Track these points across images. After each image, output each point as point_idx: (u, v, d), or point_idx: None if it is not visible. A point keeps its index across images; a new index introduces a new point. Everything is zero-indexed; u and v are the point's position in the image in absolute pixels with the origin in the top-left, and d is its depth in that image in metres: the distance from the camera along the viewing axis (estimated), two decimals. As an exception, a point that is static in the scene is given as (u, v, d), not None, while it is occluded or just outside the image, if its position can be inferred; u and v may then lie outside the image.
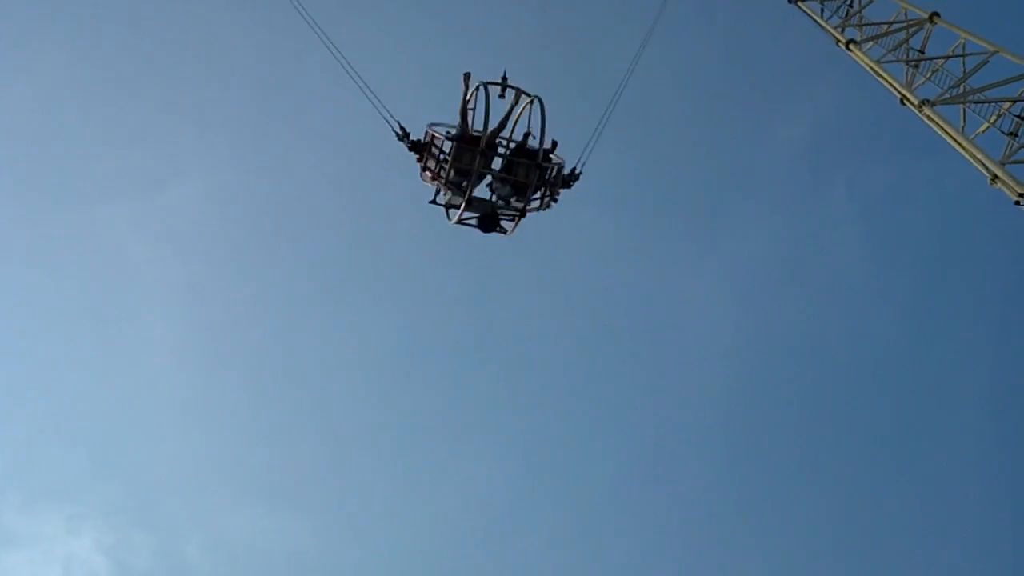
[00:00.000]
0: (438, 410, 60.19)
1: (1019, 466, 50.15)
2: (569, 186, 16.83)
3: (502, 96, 16.12)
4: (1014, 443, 50.67)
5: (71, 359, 59.79)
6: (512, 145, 16.60)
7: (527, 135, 16.37)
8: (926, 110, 21.31)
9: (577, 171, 16.96)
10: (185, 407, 59.36)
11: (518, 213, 16.36)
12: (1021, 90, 19.59)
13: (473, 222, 16.53)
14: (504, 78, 16.08)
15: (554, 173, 16.32)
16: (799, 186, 62.82)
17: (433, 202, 16.93)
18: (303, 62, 64.81)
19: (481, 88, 15.66)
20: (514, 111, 16.38)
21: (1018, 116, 19.35)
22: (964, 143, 19.67)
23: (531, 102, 15.96)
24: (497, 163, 16.51)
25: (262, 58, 64.87)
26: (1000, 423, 52.06)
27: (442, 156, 16.02)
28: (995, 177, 18.40)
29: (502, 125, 16.22)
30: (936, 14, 23.18)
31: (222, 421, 60.90)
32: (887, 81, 23.46)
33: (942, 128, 20.59)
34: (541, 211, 16.71)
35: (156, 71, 62.91)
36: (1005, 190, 18.04)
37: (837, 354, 58.55)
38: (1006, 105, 19.62)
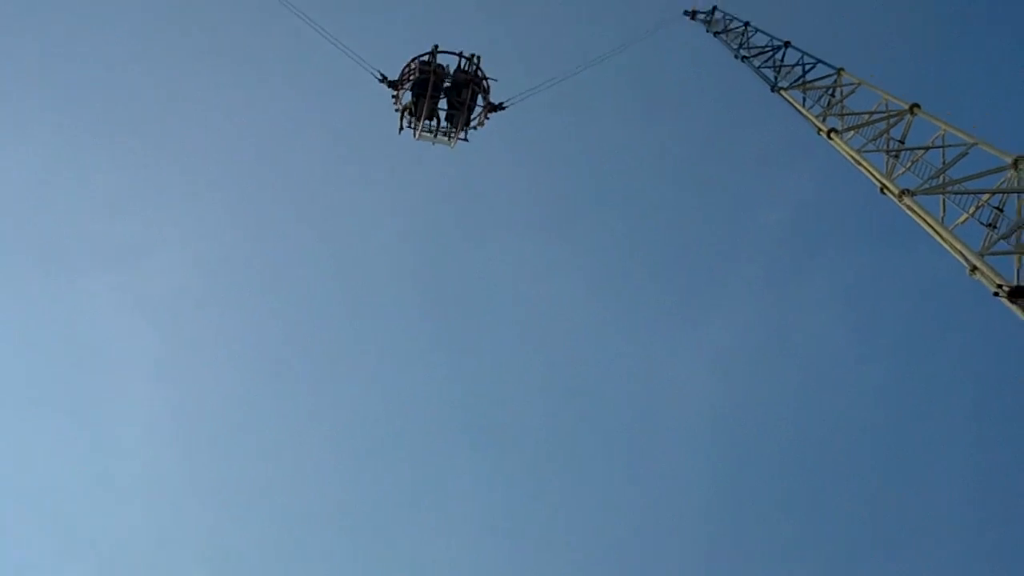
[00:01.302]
0: (416, 488, 58.95)
1: (998, 542, 49.18)
2: (496, 110, 23.61)
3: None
4: (993, 520, 49.78)
5: (40, 435, 58.68)
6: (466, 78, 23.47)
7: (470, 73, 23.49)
8: (906, 199, 21.08)
9: (504, 104, 23.78)
10: (155, 487, 58.05)
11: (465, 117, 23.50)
12: (999, 182, 19.38)
13: (433, 136, 23.78)
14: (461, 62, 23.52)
15: (486, 87, 23.41)
16: (780, 269, 62.98)
17: (400, 129, 23.70)
18: (287, 132, 65.45)
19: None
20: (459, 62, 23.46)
21: (997, 208, 19.10)
22: (943, 233, 19.35)
23: (471, 56, 23.06)
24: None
25: (247, 127, 65.62)
26: (978, 502, 51.23)
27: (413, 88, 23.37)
28: (974, 268, 18.02)
29: (447, 73, 23.45)
30: (916, 105, 23.23)
31: (192, 503, 59.52)
32: (868, 170, 23.30)
33: (922, 218, 20.31)
34: (476, 128, 23.59)
35: (140, 140, 63.51)
36: (984, 281, 17.62)
37: (818, 433, 57.84)
38: (985, 196, 19.37)
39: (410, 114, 23.71)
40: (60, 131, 61.79)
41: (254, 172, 67.07)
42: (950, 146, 21.49)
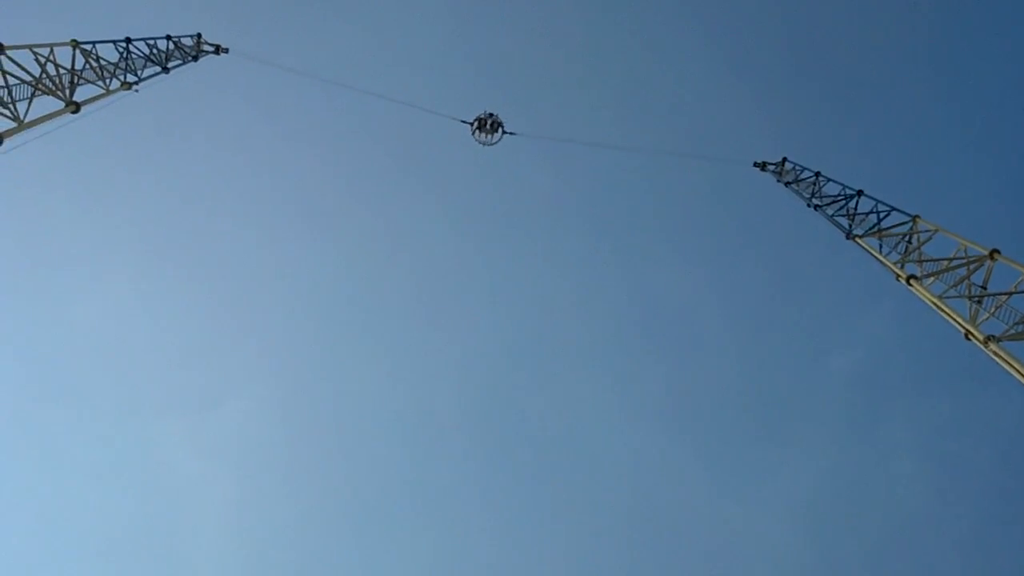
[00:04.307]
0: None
1: None
2: (508, 133, 42.06)
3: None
4: None
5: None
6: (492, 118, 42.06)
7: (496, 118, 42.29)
8: (992, 346, 20.53)
9: (515, 132, 42.12)
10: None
11: (493, 132, 41.91)
12: (1091, 327, 18.75)
13: (486, 140, 42.20)
14: (490, 114, 42.24)
15: (501, 127, 41.81)
16: (857, 413, 60.63)
17: (473, 134, 42.19)
18: (353, 281, 67.36)
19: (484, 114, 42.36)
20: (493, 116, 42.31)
21: (1090, 353, 18.41)
22: (1034, 380, 18.68)
23: (495, 114, 42.19)
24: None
25: (313, 274, 67.78)
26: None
27: (477, 122, 41.92)
28: (1070, 417, 17.25)
29: (489, 116, 41.89)
30: (996, 251, 22.89)
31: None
32: (950, 316, 22.87)
33: (1010, 364, 19.69)
34: (503, 138, 42.12)
35: (216, 289, 66.12)
36: (1082, 431, 16.82)
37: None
38: (1076, 342, 18.76)
39: (477, 131, 42.06)
40: (140, 281, 64.99)
41: (325, 321, 69.02)
42: (1034, 291, 21.02)
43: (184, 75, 33.46)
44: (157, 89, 31.29)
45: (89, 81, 27.51)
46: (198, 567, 59.94)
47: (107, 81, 28.30)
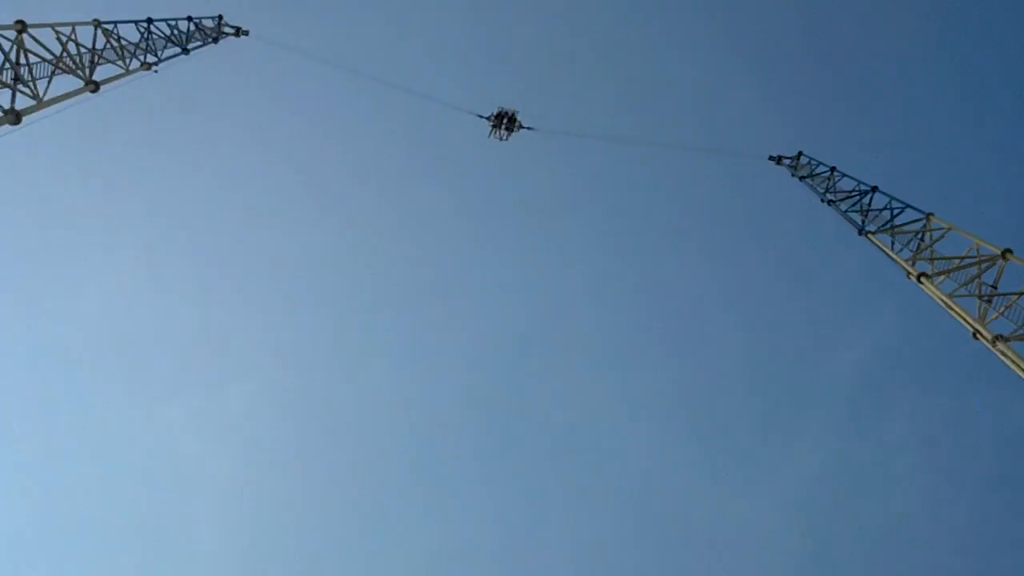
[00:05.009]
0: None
1: None
2: (524, 128, 43.23)
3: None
4: None
5: (121, 554, 59.53)
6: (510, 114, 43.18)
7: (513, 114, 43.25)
8: (1000, 345, 20.52)
9: (524, 126, 43.29)
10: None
11: (511, 128, 42.86)
12: (1099, 329, 18.71)
13: (502, 135, 43.24)
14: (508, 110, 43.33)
15: (518, 123, 42.80)
16: (859, 411, 60.47)
17: (489, 130, 43.28)
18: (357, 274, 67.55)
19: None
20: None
21: (1097, 355, 18.39)
22: (1040, 380, 18.68)
23: (513, 111, 43.40)
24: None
25: (322, 262, 67.99)
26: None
27: (494, 118, 42.83)
28: (1075, 418, 17.26)
29: (507, 112, 42.75)
30: (1009, 250, 22.84)
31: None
32: (960, 314, 22.84)
33: (1017, 364, 19.68)
34: (517, 132, 43.21)
35: (224, 275, 66.48)
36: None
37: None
38: (1084, 344, 18.73)
39: (493, 127, 43.03)
40: (149, 265, 65.44)
41: (332, 309, 69.38)
42: (1045, 291, 20.99)
43: (204, 57, 33.68)
44: (176, 70, 31.52)
45: (109, 61, 27.73)
46: (200, 548, 60.61)
47: (127, 61, 28.55)
